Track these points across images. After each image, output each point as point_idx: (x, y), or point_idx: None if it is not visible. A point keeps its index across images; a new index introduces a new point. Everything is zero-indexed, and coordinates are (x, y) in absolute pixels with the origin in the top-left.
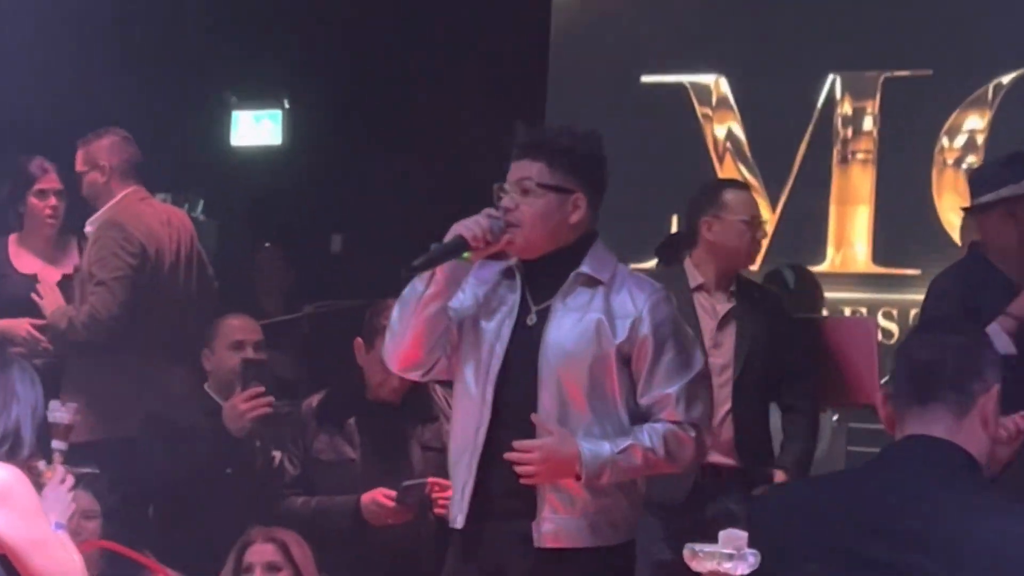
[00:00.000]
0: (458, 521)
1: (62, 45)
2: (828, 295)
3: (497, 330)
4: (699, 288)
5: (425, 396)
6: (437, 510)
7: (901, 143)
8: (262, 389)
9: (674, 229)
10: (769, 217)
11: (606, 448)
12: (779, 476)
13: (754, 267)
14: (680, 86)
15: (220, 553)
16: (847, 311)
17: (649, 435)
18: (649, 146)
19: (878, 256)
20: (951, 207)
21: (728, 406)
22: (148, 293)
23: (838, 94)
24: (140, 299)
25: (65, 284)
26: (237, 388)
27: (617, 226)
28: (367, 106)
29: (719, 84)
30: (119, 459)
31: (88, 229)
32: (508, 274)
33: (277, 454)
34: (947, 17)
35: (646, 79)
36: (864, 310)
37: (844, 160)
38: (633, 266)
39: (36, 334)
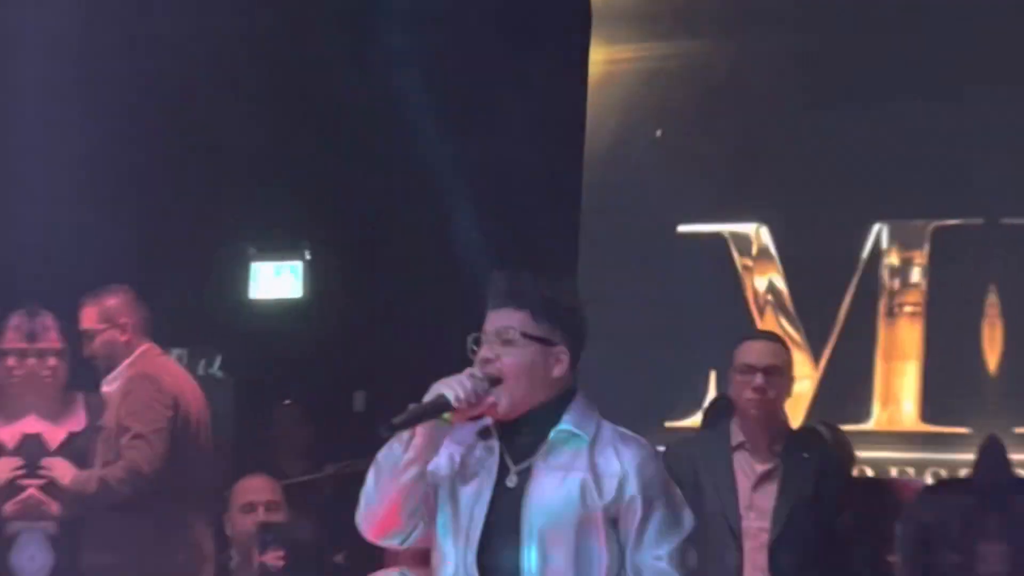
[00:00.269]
0: None
1: (71, 195)
2: (874, 455)
3: (476, 493)
4: (739, 447)
5: None
6: None
7: (951, 295)
8: (281, 553)
9: (712, 386)
10: (811, 373)
11: None
12: None
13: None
14: (718, 236)
15: None
16: (894, 471)
17: None
18: (687, 299)
19: (927, 414)
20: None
21: (765, 571)
22: (179, 448)
23: (884, 244)
24: (174, 454)
25: (72, 442)
26: (255, 554)
27: (653, 383)
28: (391, 256)
29: (759, 234)
30: None
31: (106, 389)
32: (484, 434)
33: None
34: (998, 163)
35: (683, 229)
36: (912, 470)
37: (891, 313)
38: (671, 424)
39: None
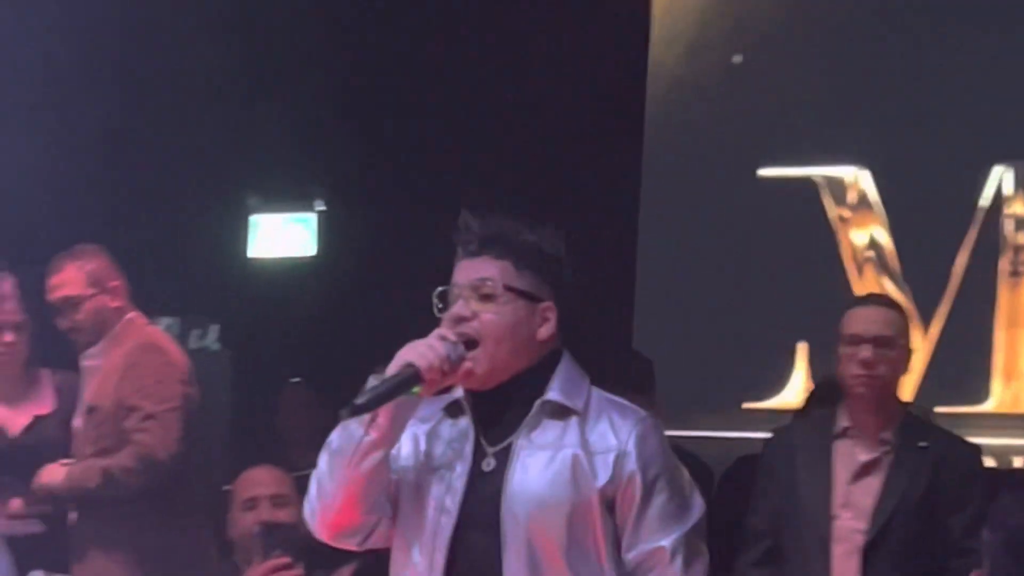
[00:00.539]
0: None
1: (30, 137)
2: (994, 441)
3: (446, 482)
4: (843, 433)
5: None
6: None
7: None
8: (286, 560)
9: (800, 358)
10: (920, 344)
11: None
12: None
13: None
14: (808, 181)
15: None
16: (1018, 461)
17: None
18: (769, 257)
19: None
20: None
21: None
22: (192, 433)
23: (1007, 189)
24: (187, 439)
25: (38, 426)
26: (256, 559)
27: (729, 357)
28: (418, 207)
29: (858, 179)
30: None
31: (90, 364)
32: (452, 410)
33: None
34: None
35: (765, 172)
36: None
37: (1015, 272)
38: (749, 406)
39: None
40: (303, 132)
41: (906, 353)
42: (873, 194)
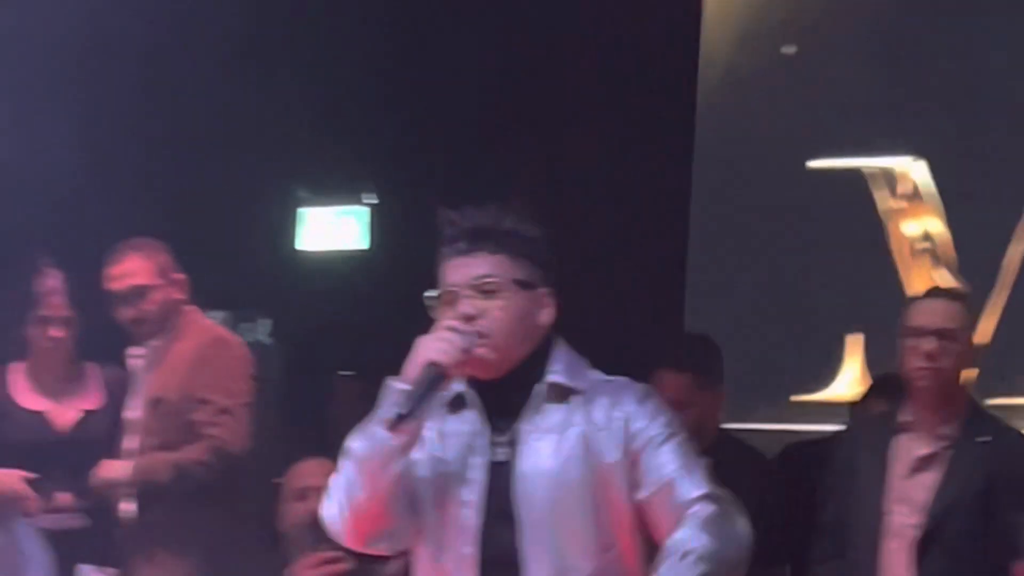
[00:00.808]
0: None
1: (82, 132)
2: None
3: (463, 475)
4: (903, 427)
5: None
6: None
7: None
8: (337, 553)
9: (849, 351)
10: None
11: None
12: None
13: None
14: (858, 173)
15: None
16: None
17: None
18: (818, 250)
19: None
20: None
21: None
22: (257, 428)
23: None
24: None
25: (87, 421)
26: (306, 551)
27: (778, 349)
28: (471, 199)
29: (912, 169)
30: None
31: (148, 356)
32: (456, 404)
33: None
34: None
35: (815, 164)
36: None
37: None
38: (798, 399)
39: (25, 490)
40: (354, 125)
41: (970, 347)
42: (927, 185)
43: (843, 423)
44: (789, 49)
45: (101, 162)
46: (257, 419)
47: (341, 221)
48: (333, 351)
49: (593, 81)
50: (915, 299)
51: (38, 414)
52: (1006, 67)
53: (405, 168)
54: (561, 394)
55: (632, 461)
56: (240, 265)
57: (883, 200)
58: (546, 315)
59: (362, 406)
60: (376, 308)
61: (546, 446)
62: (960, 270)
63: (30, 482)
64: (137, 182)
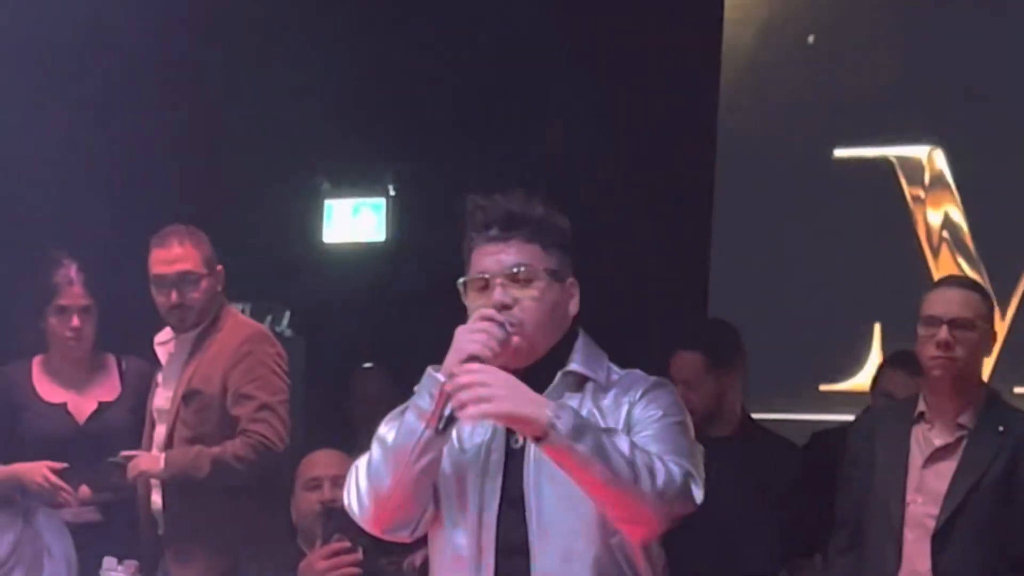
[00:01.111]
0: None
1: (100, 118)
2: None
3: (482, 463)
4: (920, 417)
5: None
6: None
7: None
8: (347, 544)
9: (876, 339)
10: (997, 325)
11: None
12: None
13: None
14: (884, 161)
15: None
16: None
17: (633, 442)
18: (845, 238)
19: None
20: None
21: (928, 566)
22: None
23: None
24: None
25: (103, 413)
26: (317, 542)
27: (805, 338)
28: (489, 191)
29: (933, 158)
30: None
31: (180, 346)
32: None
33: None
34: None
35: (840, 153)
36: None
37: None
38: (826, 388)
39: (57, 481)
40: (375, 120)
41: (987, 336)
42: (951, 173)
43: None
44: (812, 39)
45: (124, 154)
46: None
47: (362, 214)
48: (354, 343)
49: (615, 71)
50: (931, 288)
51: (59, 406)
52: None
53: (422, 160)
54: (578, 383)
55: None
56: (259, 257)
57: (909, 188)
58: (573, 305)
59: (383, 398)
60: (394, 300)
61: None
62: (984, 258)
63: (57, 473)
64: (166, 176)
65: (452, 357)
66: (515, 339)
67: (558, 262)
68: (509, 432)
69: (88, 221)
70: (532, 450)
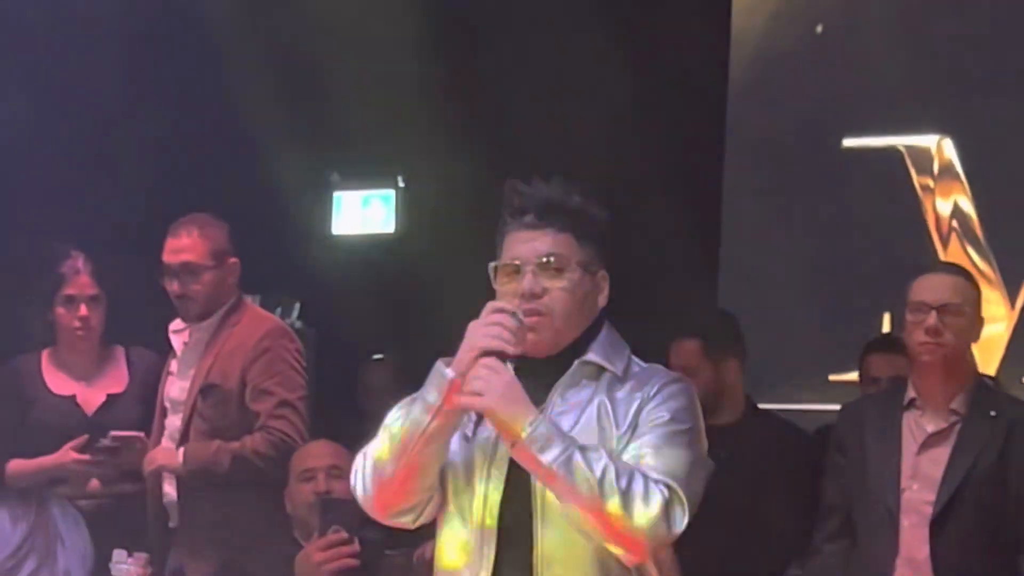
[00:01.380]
0: None
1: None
2: None
3: (488, 450)
4: (911, 404)
5: None
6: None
7: None
8: (344, 535)
9: (886, 330)
10: (1006, 315)
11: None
12: None
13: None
14: (893, 150)
15: None
16: None
17: (612, 461)
18: (854, 227)
19: None
20: None
21: (927, 551)
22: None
23: None
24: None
25: (111, 405)
26: (315, 533)
27: (815, 328)
28: (500, 185)
29: (942, 147)
30: None
31: (196, 338)
32: None
33: None
34: None
35: (849, 143)
36: None
37: None
38: (836, 378)
39: (87, 456)
40: (385, 111)
41: (976, 323)
42: (958, 162)
43: None
44: (820, 28)
45: (138, 146)
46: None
47: (371, 205)
48: (363, 335)
49: (624, 62)
50: (919, 275)
51: (68, 398)
52: None
53: (431, 151)
54: (594, 373)
55: (632, 435)
56: (269, 249)
57: (918, 178)
58: (603, 298)
59: (392, 390)
60: (403, 292)
61: (566, 422)
62: (993, 248)
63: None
64: (175, 168)
65: (464, 351)
66: (530, 336)
67: (591, 254)
68: None
69: (96, 214)
70: None
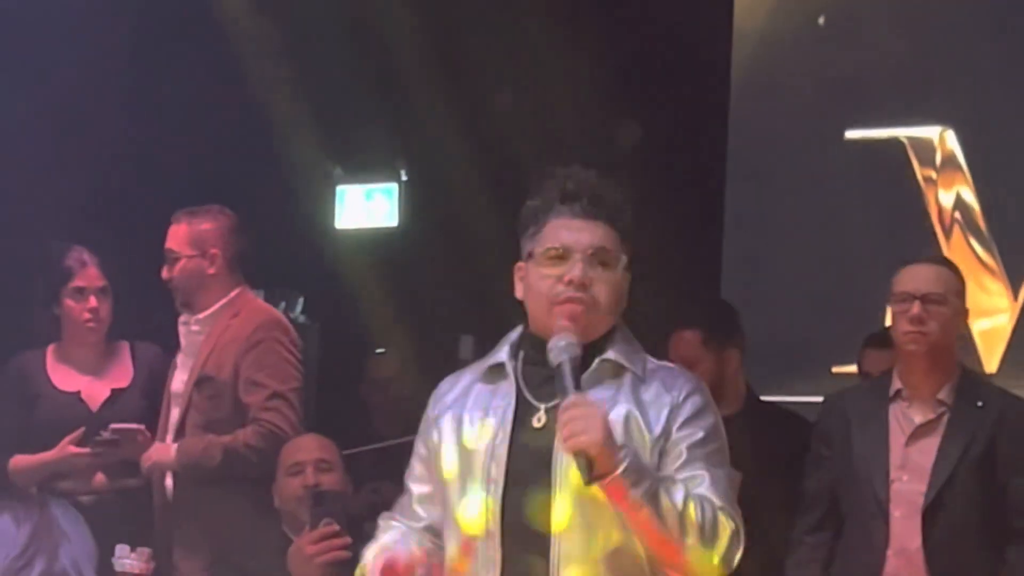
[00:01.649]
0: None
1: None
2: None
3: (491, 451)
4: (897, 395)
5: None
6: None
7: None
8: (335, 528)
9: (889, 322)
10: (1009, 306)
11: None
12: None
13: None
14: (896, 142)
15: None
16: None
17: (687, 490)
18: (856, 218)
19: None
20: None
21: (919, 542)
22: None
23: None
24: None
25: (116, 400)
26: (307, 527)
27: (817, 320)
28: (502, 176)
29: (944, 138)
30: None
31: (195, 329)
32: (491, 376)
33: None
34: None
35: (852, 134)
36: None
37: None
38: (839, 370)
39: (86, 450)
40: (387, 105)
41: (960, 312)
42: (960, 154)
43: None
44: (823, 19)
45: (142, 141)
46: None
47: (374, 199)
48: (366, 329)
49: (627, 52)
50: (902, 265)
51: (73, 394)
52: None
53: (434, 145)
54: (615, 372)
55: (665, 445)
56: (272, 243)
57: (921, 169)
58: (626, 296)
59: (395, 384)
60: (407, 285)
61: None
62: (996, 239)
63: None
64: (179, 162)
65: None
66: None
67: (627, 251)
68: (523, 414)
69: (96, 210)
70: (558, 434)
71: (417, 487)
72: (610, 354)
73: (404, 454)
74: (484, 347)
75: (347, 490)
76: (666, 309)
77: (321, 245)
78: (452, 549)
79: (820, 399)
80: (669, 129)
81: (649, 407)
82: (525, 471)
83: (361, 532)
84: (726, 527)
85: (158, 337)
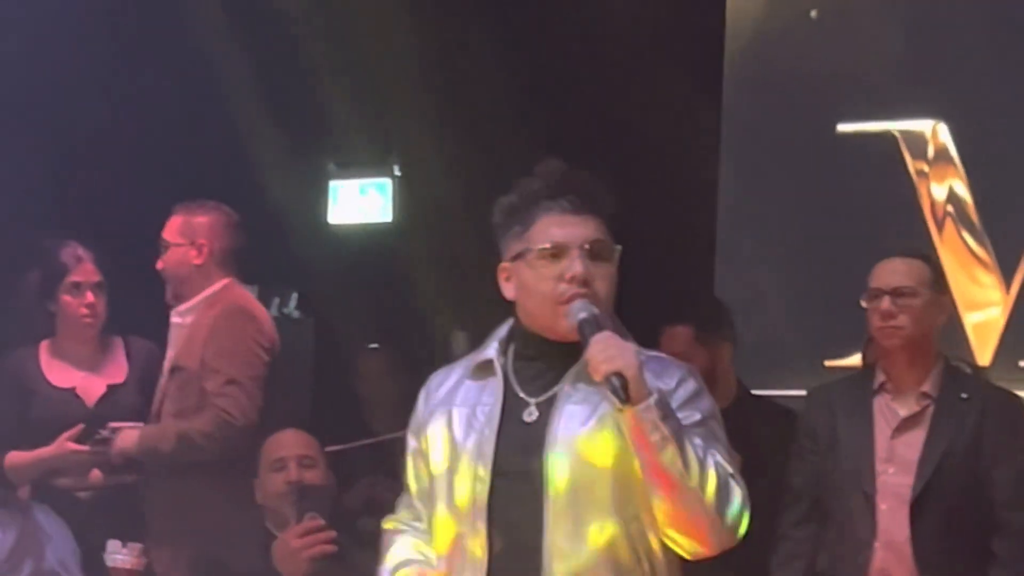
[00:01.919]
0: None
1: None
2: None
3: (479, 448)
4: (880, 389)
5: None
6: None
7: None
8: (320, 522)
9: None
10: (1002, 299)
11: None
12: None
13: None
14: (888, 135)
15: None
16: None
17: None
18: (849, 212)
19: None
20: None
21: (906, 534)
22: (271, 404)
23: None
24: (266, 409)
25: (112, 396)
26: (291, 522)
27: (810, 313)
28: (496, 171)
29: (937, 132)
30: None
31: (177, 321)
32: (479, 372)
33: None
34: None
35: (844, 128)
36: None
37: None
38: (832, 364)
39: (83, 447)
40: (380, 99)
41: (935, 303)
42: (952, 147)
43: None
44: (815, 13)
45: (134, 136)
46: (287, 394)
47: (368, 194)
48: (360, 324)
49: (618, 46)
50: (877, 262)
51: (68, 390)
52: None
53: (428, 140)
54: None
55: None
56: (265, 239)
57: (913, 163)
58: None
59: (389, 379)
60: (400, 281)
61: (582, 412)
62: (989, 232)
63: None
64: (170, 158)
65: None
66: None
67: (615, 244)
68: (512, 409)
69: (89, 206)
70: (560, 424)
71: (415, 483)
72: None
73: (398, 449)
74: (477, 342)
75: (330, 485)
76: (658, 304)
77: (314, 240)
78: (440, 544)
79: None
80: (660, 122)
81: None
82: (514, 466)
83: (354, 529)
84: (737, 491)
85: (150, 334)
